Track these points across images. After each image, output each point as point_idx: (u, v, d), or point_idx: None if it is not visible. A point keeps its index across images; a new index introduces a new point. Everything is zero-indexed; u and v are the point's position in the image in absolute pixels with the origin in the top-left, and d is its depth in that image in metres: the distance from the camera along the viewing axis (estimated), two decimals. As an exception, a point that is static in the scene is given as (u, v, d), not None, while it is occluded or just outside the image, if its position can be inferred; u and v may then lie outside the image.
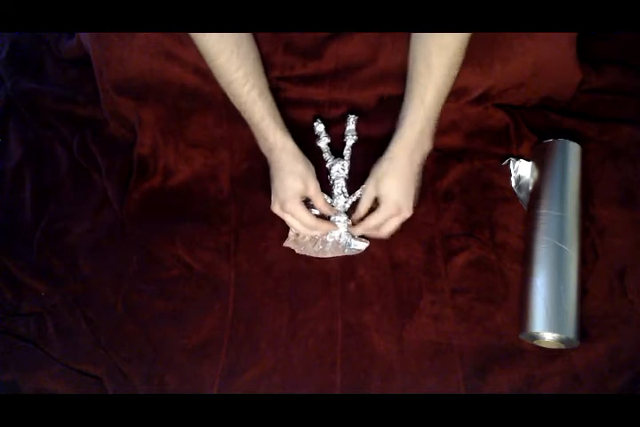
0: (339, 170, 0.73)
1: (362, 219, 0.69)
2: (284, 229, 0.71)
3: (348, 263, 0.69)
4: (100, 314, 0.68)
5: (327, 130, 0.76)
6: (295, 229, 0.69)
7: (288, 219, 0.68)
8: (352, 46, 0.73)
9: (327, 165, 0.74)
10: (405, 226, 0.69)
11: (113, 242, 0.72)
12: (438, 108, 0.67)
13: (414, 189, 0.67)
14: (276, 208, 0.68)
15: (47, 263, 0.71)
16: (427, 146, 0.68)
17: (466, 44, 0.64)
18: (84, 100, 0.84)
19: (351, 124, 0.76)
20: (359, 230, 0.69)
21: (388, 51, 0.72)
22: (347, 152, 0.75)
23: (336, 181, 0.73)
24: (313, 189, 0.68)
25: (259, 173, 0.75)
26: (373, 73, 0.74)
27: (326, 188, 0.72)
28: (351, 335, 0.65)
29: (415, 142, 0.66)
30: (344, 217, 0.70)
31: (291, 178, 0.67)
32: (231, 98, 0.69)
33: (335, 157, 0.74)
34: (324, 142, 0.75)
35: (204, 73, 0.73)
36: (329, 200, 0.72)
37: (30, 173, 0.79)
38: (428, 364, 0.63)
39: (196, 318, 0.67)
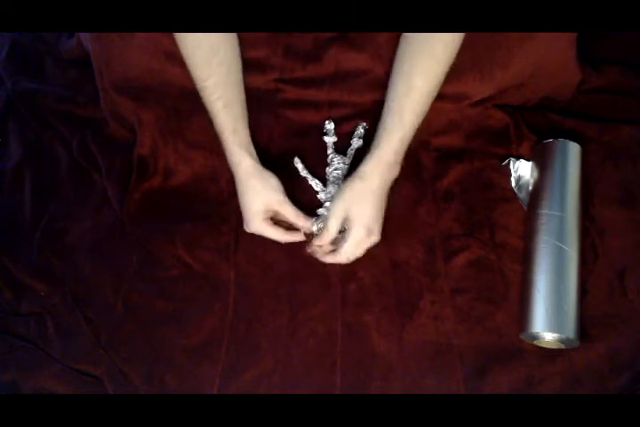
0: (339, 163, 0.73)
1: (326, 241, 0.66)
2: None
3: (348, 264, 0.69)
4: (99, 314, 0.68)
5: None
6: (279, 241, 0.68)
7: (261, 235, 0.67)
8: (351, 54, 0.73)
9: (329, 158, 0.74)
10: (405, 226, 0.69)
11: (113, 242, 0.72)
12: (414, 131, 0.65)
13: (383, 212, 0.65)
14: (245, 228, 0.68)
15: (47, 263, 0.71)
16: (396, 170, 0.66)
17: (447, 68, 0.63)
18: (84, 100, 0.84)
19: (360, 129, 0.76)
20: (329, 259, 0.66)
21: (385, 61, 0.72)
22: (350, 152, 0.75)
23: (334, 172, 0.73)
24: (276, 203, 0.66)
25: (259, 173, 0.75)
26: (372, 79, 0.75)
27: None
28: (351, 335, 0.65)
29: (389, 164, 0.64)
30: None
31: (248, 196, 0.67)
32: (204, 105, 0.69)
33: (338, 153, 0.74)
34: (330, 139, 0.75)
35: (204, 73, 0.73)
36: (318, 188, 0.72)
37: (30, 173, 0.79)
38: (428, 364, 0.63)
39: (196, 318, 0.67)
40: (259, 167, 0.67)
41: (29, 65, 0.89)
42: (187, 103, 0.76)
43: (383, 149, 0.64)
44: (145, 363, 0.65)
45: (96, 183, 0.77)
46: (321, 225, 0.67)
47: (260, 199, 0.66)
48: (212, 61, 0.66)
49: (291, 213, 0.67)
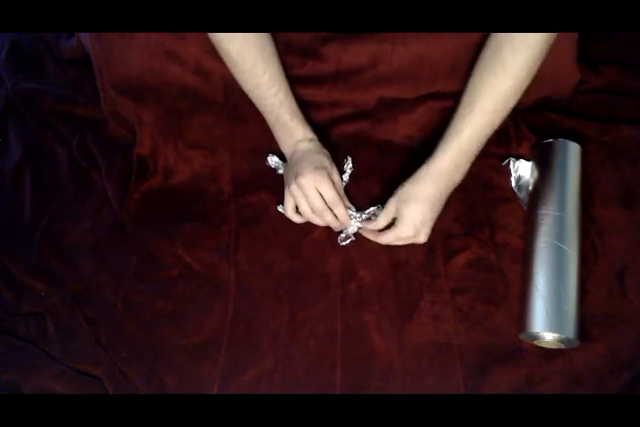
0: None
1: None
2: (284, 229, 0.71)
3: (348, 264, 0.69)
4: (99, 314, 0.68)
5: (329, 131, 0.76)
6: (304, 211, 0.68)
7: (307, 190, 0.66)
8: (352, 51, 0.73)
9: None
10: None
11: (113, 242, 0.72)
12: (477, 143, 0.65)
13: (435, 216, 0.67)
14: (299, 180, 0.66)
15: (47, 263, 0.71)
16: (458, 177, 0.67)
17: (520, 89, 0.63)
18: (84, 100, 0.84)
19: (349, 162, 0.75)
20: (369, 235, 0.69)
21: (388, 57, 0.72)
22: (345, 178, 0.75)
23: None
24: (336, 175, 0.69)
25: (259, 174, 0.75)
26: (374, 76, 0.74)
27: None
28: (351, 335, 0.65)
29: (444, 171, 0.65)
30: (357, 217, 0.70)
31: (321, 156, 0.69)
32: (255, 100, 0.70)
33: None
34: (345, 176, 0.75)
35: (204, 73, 0.73)
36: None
37: (30, 173, 0.79)
38: (428, 364, 0.63)
39: (196, 318, 0.67)
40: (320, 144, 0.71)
41: (29, 65, 0.89)
42: (187, 103, 0.76)
43: (437, 159, 0.65)
44: (145, 363, 0.65)
45: (96, 183, 0.77)
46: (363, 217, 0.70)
47: (330, 164, 0.69)
48: (264, 56, 0.67)
49: (338, 188, 0.69)
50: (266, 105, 0.70)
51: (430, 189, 0.65)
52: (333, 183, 0.68)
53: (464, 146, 0.64)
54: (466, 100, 0.64)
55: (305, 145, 0.70)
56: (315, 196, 0.66)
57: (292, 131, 0.70)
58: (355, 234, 0.70)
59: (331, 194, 0.67)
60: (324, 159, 0.69)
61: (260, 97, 0.69)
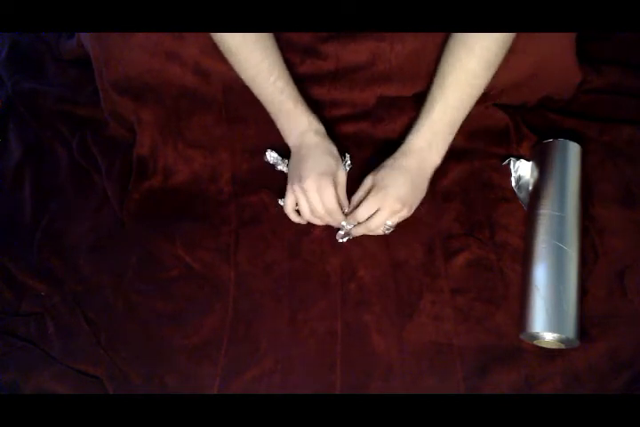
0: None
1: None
2: (284, 229, 0.71)
3: (348, 263, 0.69)
4: (99, 314, 0.68)
5: (329, 131, 0.76)
6: (304, 212, 0.68)
7: (309, 195, 0.66)
8: (351, 49, 0.73)
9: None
10: (405, 226, 0.69)
11: (113, 242, 0.72)
12: (450, 125, 0.68)
13: (419, 193, 0.68)
14: (303, 184, 0.66)
15: (47, 263, 0.71)
16: (434, 156, 0.68)
17: (491, 67, 0.65)
18: (84, 100, 0.84)
19: (348, 159, 0.74)
20: (351, 220, 0.69)
21: (387, 55, 0.72)
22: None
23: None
24: (341, 176, 0.69)
25: (259, 173, 0.75)
26: (373, 74, 0.75)
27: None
28: (351, 335, 0.65)
29: (417, 149, 0.67)
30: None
31: (327, 156, 0.68)
32: (256, 91, 0.70)
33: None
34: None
35: (204, 73, 0.73)
36: None
37: (30, 173, 0.79)
38: (428, 364, 0.63)
39: (196, 318, 0.67)
40: (327, 136, 0.71)
41: (29, 65, 0.89)
42: (186, 103, 0.76)
43: (410, 140, 0.68)
44: (145, 363, 0.65)
45: (96, 183, 0.77)
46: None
47: (335, 163, 0.68)
48: (262, 43, 0.67)
49: (344, 190, 0.69)
50: (266, 94, 0.69)
51: (406, 161, 0.67)
52: (337, 187, 0.68)
53: (437, 127, 0.67)
54: (435, 82, 0.67)
55: (311, 138, 0.69)
56: (317, 201, 0.67)
57: (296, 120, 0.70)
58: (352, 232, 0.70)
59: (332, 204, 0.67)
60: (331, 160, 0.68)
61: (260, 86, 0.69)
